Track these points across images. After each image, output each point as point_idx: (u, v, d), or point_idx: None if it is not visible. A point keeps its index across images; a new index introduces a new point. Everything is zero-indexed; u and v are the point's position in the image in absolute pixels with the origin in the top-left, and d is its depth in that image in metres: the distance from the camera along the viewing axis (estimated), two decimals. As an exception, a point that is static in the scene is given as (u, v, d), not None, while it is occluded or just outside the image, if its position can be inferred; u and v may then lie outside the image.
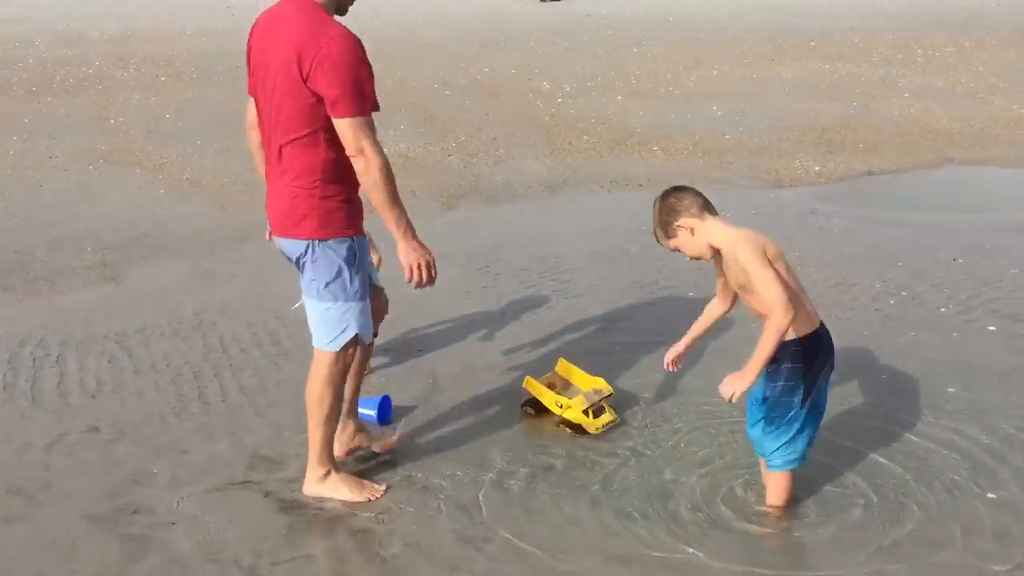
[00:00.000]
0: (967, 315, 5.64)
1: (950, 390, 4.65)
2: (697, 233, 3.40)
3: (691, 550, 3.42)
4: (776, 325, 3.23)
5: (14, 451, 4.17)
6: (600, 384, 4.54)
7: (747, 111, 11.96)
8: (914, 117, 11.68)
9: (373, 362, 4.88)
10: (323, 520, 3.66)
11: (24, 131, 10.83)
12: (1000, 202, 8.36)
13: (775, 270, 3.29)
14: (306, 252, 3.52)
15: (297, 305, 4.20)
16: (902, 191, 8.72)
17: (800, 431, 3.54)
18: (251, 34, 3.57)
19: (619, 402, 4.54)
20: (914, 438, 4.20)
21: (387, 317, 4.19)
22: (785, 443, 3.56)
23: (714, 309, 3.78)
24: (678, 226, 3.42)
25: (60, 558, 3.41)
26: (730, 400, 3.33)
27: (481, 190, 8.75)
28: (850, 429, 4.25)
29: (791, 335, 3.39)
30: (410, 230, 3.50)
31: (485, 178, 9.12)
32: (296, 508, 3.73)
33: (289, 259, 3.66)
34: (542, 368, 4.88)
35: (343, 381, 3.74)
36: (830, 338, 3.58)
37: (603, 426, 4.35)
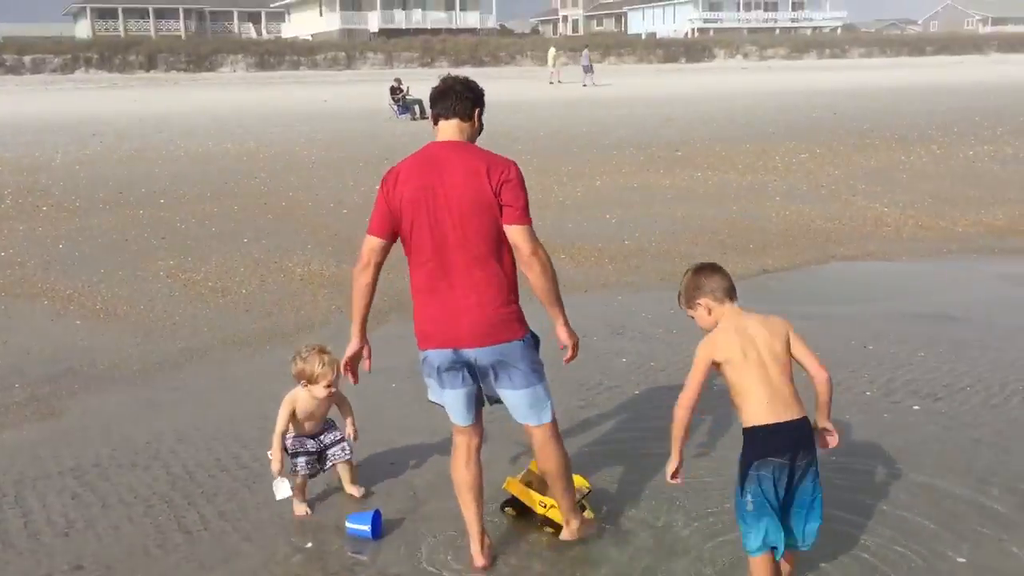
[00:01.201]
0: (891, 397, 6.14)
1: (898, 466, 5.05)
2: (712, 313, 3.79)
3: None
4: (674, 423, 3.85)
5: (-4, 597, 4.00)
6: (579, 482, 4.72)
7: (639, 218, 12.64)
8: (790, 219, 12.61)
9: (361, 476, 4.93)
10: (344, 638, 3.67)
11: (-92, 267, 10.36)
12: (891, 293, 9.11)
13: (699, 376, 3.75)
14: (517, 351, 4.02)
15: (281, 497, 4.56)
16: (798, 286, 9.39)
17: (741, 518, 3.75)
18: (395, 179, 4.01)
19: (596, 502, 4.72)
20: (882, 515, 4.54)
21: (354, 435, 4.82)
22: (739, 525, 3.81)
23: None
24: (698, 302, 3.76)
25: None
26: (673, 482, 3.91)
27: (406, 305, 8.67)
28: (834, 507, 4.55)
29: (743, 424, 3.73)
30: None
31: (406, 293, 9.19)
32: (313, 629, 3.73)
33: (472, 367, 4.00)
34: (510, 471, 5.04)
35: None
36: (784, 439, 3.66)
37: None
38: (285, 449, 4.71)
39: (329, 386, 4.66)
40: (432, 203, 3.91)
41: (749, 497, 3.69)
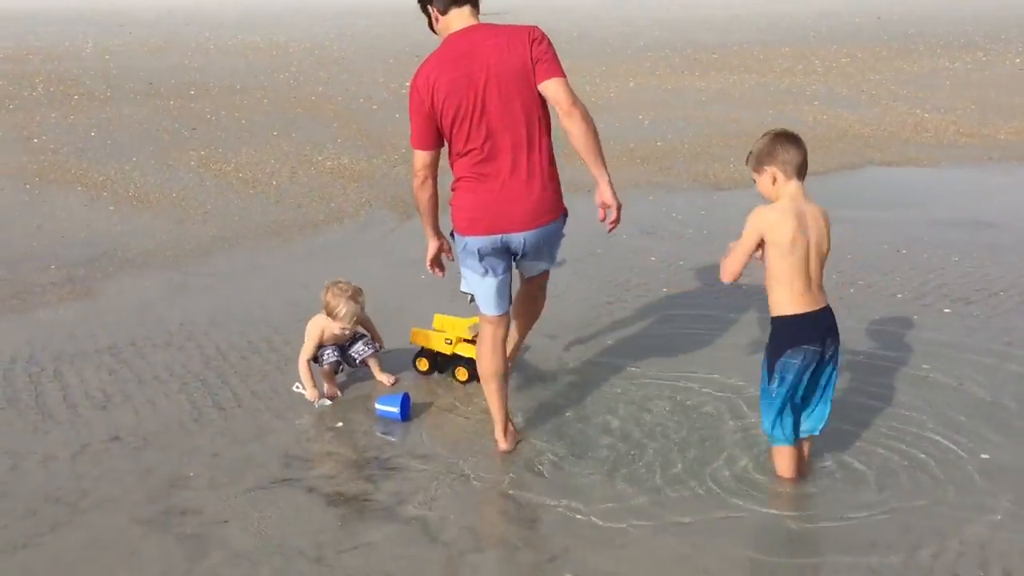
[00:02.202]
0: (922, 300, 6.09)
1: (924, 367, 5.04)
2: (777, 184, 3.66)
3: (735, 510, 3.67)
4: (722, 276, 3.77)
5: (39, 463, 4.12)
6: (478, 319, 4.97)
7: (672, 120, 12.45)
8: (828, 123, 12.37)
9: (388, 367, 5.01)
10: (374, 511, 3.76)
11: (-56, 151, 10.45)
12: (926, 198, 8.96)
13: (748, 248, 3.66)
14: (559, 229, 4.19)
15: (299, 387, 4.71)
16: (833, 191, 9.23)
17: (767, 405, 3.79)
18: (426, 80, 3.92)
19: (617, 389, 4.78)
20: (900, 411, 4.55)
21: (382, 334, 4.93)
22: (763, 415, 3.85)
23: None
24: (767, 168, 3.66)
25: (122, 560, 3.43)
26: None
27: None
28: (841, 408, 4.57)
29: (771, 312, 3.71)
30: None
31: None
32: (343, 501, 3.83)
33: (516, 252, 4.08)
34: (541, 363, 5.13)
35: None
36: (812, 328, 3.69)
37: None
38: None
39: (345, 330, 4.77)
40: (473, 91, 3.86)
41: (775, 385, 3.72)
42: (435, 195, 4.17)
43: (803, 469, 3.93)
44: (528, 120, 3.92)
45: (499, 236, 4.00)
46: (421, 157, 4.09)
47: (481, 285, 4.15)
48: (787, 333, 3.70)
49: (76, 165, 9.87)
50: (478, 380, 4.75)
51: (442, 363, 5.03)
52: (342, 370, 4.87)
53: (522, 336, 4.78)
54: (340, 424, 4.50)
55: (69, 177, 9.42)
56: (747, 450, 4.16)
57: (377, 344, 4.98)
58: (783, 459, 3.88)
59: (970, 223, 7.88)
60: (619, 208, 4.15)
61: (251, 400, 4.72)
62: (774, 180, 3.66)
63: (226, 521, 3.68)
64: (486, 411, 4.39)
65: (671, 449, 4.20)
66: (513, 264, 4.21)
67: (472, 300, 4.30)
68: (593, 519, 3.66)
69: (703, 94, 14.63)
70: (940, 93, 14.66)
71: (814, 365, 3.72)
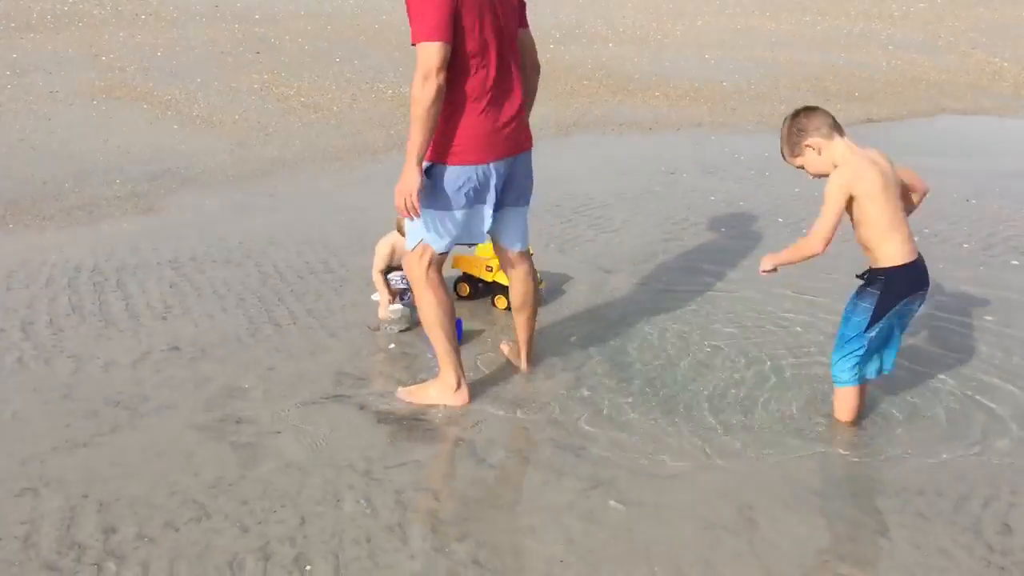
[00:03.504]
0: (989, 251, 5.93)
1: (987, 319, 4.92)
2: (824, 152, 3.56)
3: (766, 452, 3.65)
4: (805, 246, 3.57)
5: (101, 368, 4.24)
6: None
7: (739, 60, 12.16)
8: (901, 69, 11.98)
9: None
10: (422, 431, 3.81)
11: (16, 66, 10.60)
12: (999, 149, 8.69)
13: (839, 209, 3.50)
14: (530, 159, 4.00)
15: (402, 327, 4.65)
16: (903, 138, 8.99)
17: (854, 351, 3.73)
18: None
19: (669, 326, 4.75)
20: (961, 360, 4.46)
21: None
22: (840, 359, 3.78)
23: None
24: (806, 145, 3.58)
25: (179, 463, 3.52)
26: (762, 272, 3.73)
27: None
28: (906, 352, 4.49)
29: (879, 264, 3.61)
30: None
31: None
32: (393, 420, 3.87)
33: (503, 177, 3.82)
34: (594, 297, 5.13)
35: None
36: (919, 276, 3.68)
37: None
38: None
39: None
40: (491, 3, 3.66)
41: (875, 332, 3.68)
42: (440, 111, 3.59)
43: (859, 412, 3.89)
44: (512, 47, 3.78)
45: (497, 161, 3.76)
46: (442, 50, 3.45)
47: (447, 219, 3.78)
48: (903, 283, 3.63)
49: (142, 84, 9.97)
50: (500, 303, 4.89)
51: (482, 290, 5.05)
52: (405, 300, 4.87)
53: (532, 332, 4.30)
54: (392, 346, 4.54)
55: (135, 95, 9.53)
56: (802, 390, 4.13)
57: None
58: (847, 400, 3.83)
59: (1044, 176, 7.63)
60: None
61: (306, 318, 4.78)
62: (819, 151, 3.57)
63: (279, 432, 3.75)
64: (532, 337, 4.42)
65: (724, 386, 4.18)
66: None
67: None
68: (639, 451, 3.66)
69: (773, 35, 14.25)
70: (1021, 42, 14.08)
71: (915, 308, 3.73)
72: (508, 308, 4.89)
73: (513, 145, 3.82)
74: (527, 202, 4.07)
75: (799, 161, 3.64)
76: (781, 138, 3.67)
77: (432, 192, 3.74)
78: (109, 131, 8.27)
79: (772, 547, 3.10)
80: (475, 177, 3.73)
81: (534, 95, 3.99)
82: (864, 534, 3.20)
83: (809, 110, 3.63)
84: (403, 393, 4.06)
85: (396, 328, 4.67)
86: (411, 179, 3.62)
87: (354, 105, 9.53)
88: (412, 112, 3.55)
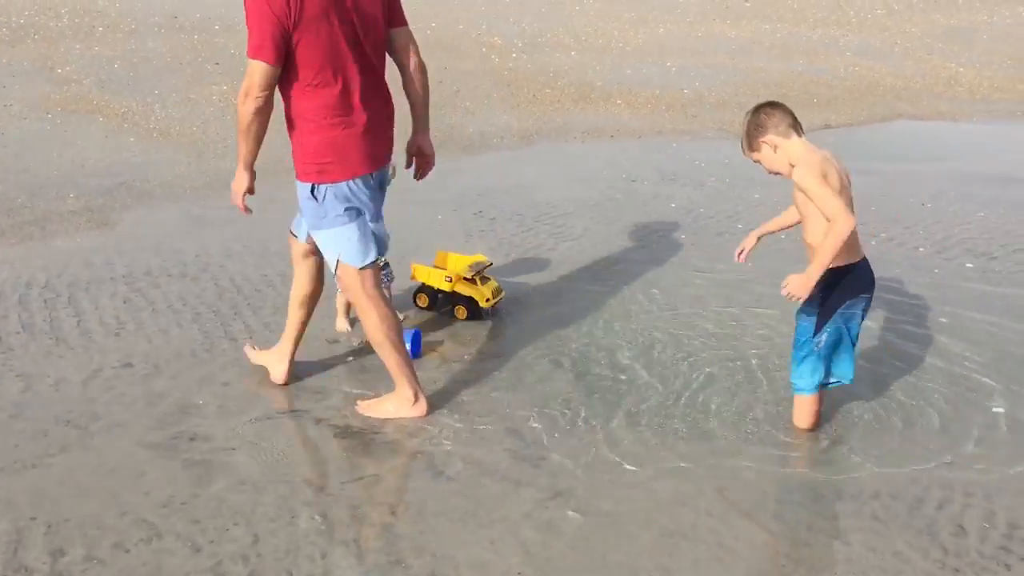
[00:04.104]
0: (944, 254, 5.99)
1: (942, 321, 4.97)
2: (779, 150, 3.57)
3: (742, 462, 3.65)
4: (837, 232, 3.40)
5: (51, 386, 4.16)
6: (479, 257, 5.08)
7: (700, 67, 12.24)
8: (860, 75, 12.13)
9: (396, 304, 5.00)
10: (379, 444, 3.78)
11: (-32, 80, 10.44)
12: (955, 153, 8.80)
13: (826, 187, 3.45)
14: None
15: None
16: (861, 143, 9.10)
17: (805, 357, 3.75)
18: None
19: (630, 334, 4.75)
20: (915, 365, 4.50)
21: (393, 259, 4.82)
22: (796, 366, 3.80)
23: (791, 214, 3.90)
24: (763, 141, 3.59)
25: (130, 482, 3.46)
26: (788, 299, 3.57)
27: (456, 140, 8.84)
28: (863, 357, 4.52)
29: (832, 263, 3.60)
30: None
31: (457, 129, 9.20)
32: (350, 434, 3.84)
33: (380, 187, 3.88)
34: (555, 304, 5.12)
35: None
36: (864, 279, 3.70)
37: (493, 295, 4.92)
38: None
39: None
40: (341, 11, 3.55)
41: (824, 336, 3.69)
42: (267, 125, 3.65)
43: (818, 420, 3.90)
44: (383, 51, 3.76)
45: (373, 172, 3.76)
46: (261, 71, 3.48)
47: (348, 231, 3.76)
48: (850, 283, 3.65)
49: (98, 96, 9.84)
50: (476, 318, 4.89)
51: (442, 301, 5.03)
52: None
53: (306, 322, 4.24)
54: (350, 359, 4.51)
55: (91, 108, 9.41)
56: (765, 397, 4.14)
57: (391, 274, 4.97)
58: (804, 408, 3.85)
59: (998, 178, 7.73)
60: (432, 158, 4.08)
61: (263, 332, 4.73)
62: (775, 148, 3.58)
63: (233, 449, 3.70)
64: (489, 350, 4.41)
65: (685, 394, 4.18)
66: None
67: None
68: (599, 460, 3.65)
69: (733, 43, 14.36)
70: (976, 47, 14.31)
71: (861, 314, 3.72)
72: (469, 317, 4.88)
73: (383, 155, 3.81)
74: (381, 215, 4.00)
75: (756, 156, 3.66)
76: (741, 133, 3.69)
77: (322, 212, 3.74)
78: (64, 144, 8.15)
79: (730, 553, 3.10)
80: (353, 191, 3.71)
81: (424, 95, 3.92)
82: (821, 539, 3.21)
83: (771, 106, 3.64)
84: (362, 408, 4.02)
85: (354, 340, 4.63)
86: (237, 182, 3.88)
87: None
88: (237, 124, 3.69)
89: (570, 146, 8.85)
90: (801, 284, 3.53)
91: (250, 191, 3.91)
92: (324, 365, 4.43)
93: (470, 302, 4.91)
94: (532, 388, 4.23)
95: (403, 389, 3.96)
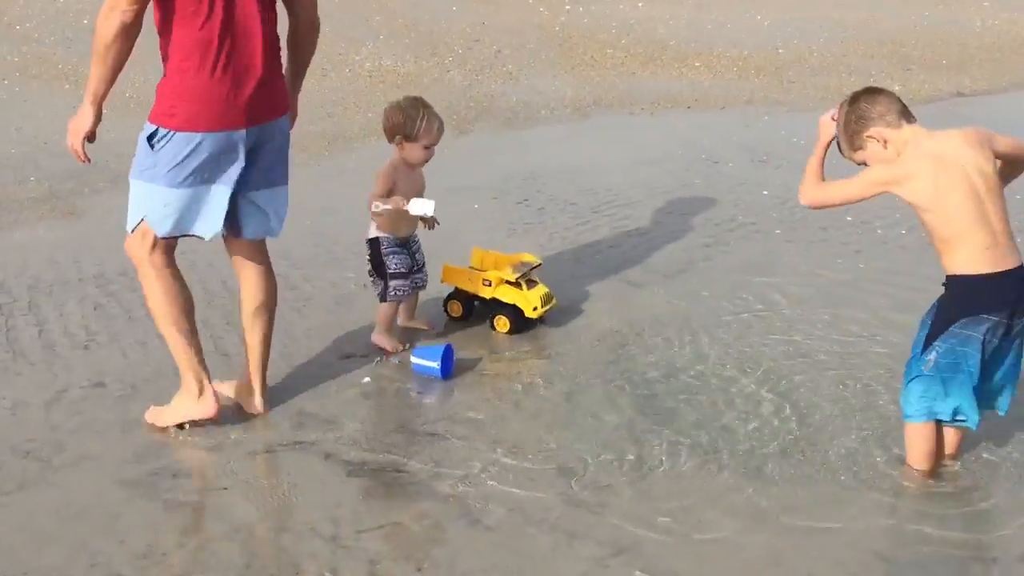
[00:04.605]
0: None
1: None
2: (891, 145, 3.57)
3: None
4: (807, 181, 3.88)
5: (7, 410, 4.26)
6: (525, 256, 5.07)
7: (801, 21, 12.17)
8: (1000, 30, 11.99)
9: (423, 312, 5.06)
10: (403, 485, 3.82)
11: (-90, 38, 10.70)
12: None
13: (859, 190, 3.68)
14: (287, 128, 4.13)
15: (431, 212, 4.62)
16: (1001, 114, 8.94)
17: (915, 377, 3.73)
18: None
19: (711, 350, 4.74)
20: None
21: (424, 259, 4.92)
22: (905, 384, 3.80)
23: None
24: (868, 136, 3.59)
25: (100, 527, 3.53)
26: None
27: (495, 112, 8.89)
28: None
29: (947, 270, 3.63)
30: None
31: (498, 98, 9.25)
32: (367, 472, 3.89)
33: (256, 147, 3.95)
34: (621, 316, 5.13)
35: None
36: (1003, 294, 3.60)
37: (542, 301, 4.90)
38: (383, 263, 4.79)
39: (429, 147, 4.72)
40: None
41: (933, 355, 3.66)
42: (129, 52, 3.79)
43: (937, 460, 3.85)
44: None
45: (232, 131, 3.82)
46: None
47: (173, 196, 3.87)
48: (965, 297, 3.62)
49: (64, 59, 10.01)
50: (521, 330, 4.92)
51: (479, 309, 5.05)
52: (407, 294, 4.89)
53: (267, 355, 4.30)
54: (367, 380, 4.56)
55: (55, 73, 9.58)
56: (871, 430, 4.13)
57: (424, 280, 5.01)
58: (916, 442, 3.82)
59: None
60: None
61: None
62: (885, 143, 3.60)
63: (225, 488, 3.77)
64: (538, 371, 4.46)
65: (774, 427, 4.17)
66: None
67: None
68: (672, 510, 3.65)
69: (842, -10, 14.28)
70: None
71: (998, 340, 3.63)
72: (512, 330, 4.90)
73: (257, 112, 3.88)
74: (280, 182, 4.14)
75: (860, 156, 3.66)
76: (838, 127, 3.68)
77: (152, 162, 3.86)
78: (23, 118, 8.31)
79: (836, 628, 3.09)
80: (204, 147, 3.80)
81: (309, 55, 4.15)
82: (950, 611, 3.19)
83: (871, 92, 3.67)
84: (150, 416, 4.14)
85: (429, 212, 4.66)
86: (79, 119, 3.94)
87: (323, 82, 9.55)
88: (92, 45, 3.78)
89: (636, 119, 8.86)
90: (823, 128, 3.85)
91: (91, 136, 4.00)
92: (336, 387, 4.47)
93: (514, 311, 4.92)
94: (589, 418, 4.24)
95: (187, 382, 4.08)
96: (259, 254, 4.23)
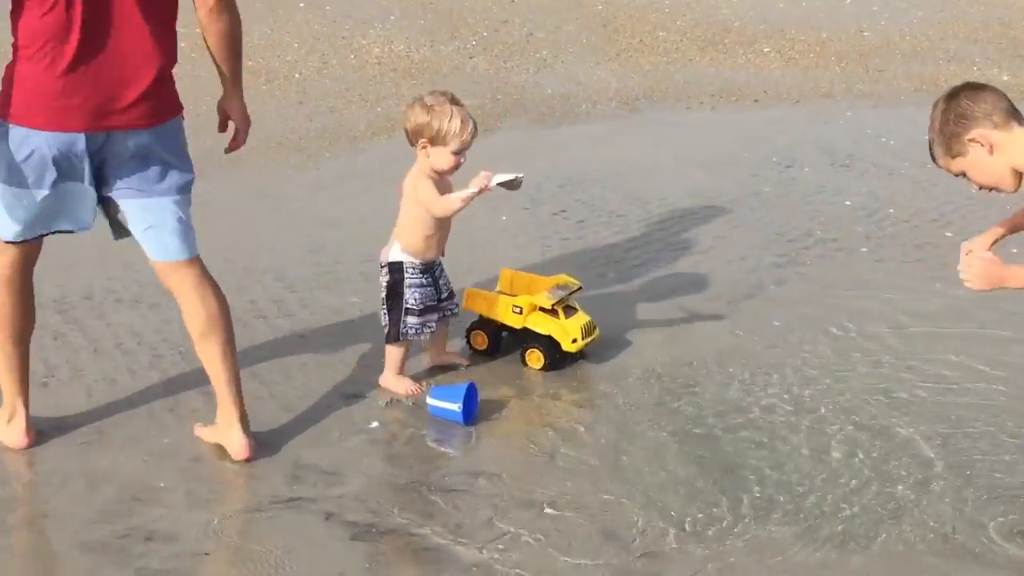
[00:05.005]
0: None
1: None
2: (998, 151, 3.53)
3: None
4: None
5: (-47, 459, 4.30)
6: (562, 278, 5.08)
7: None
8: None
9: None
10: (418, 550, 3.83)
11: None
12: None
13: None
14: (180, 131, 4.19)
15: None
16: None
17: None
18: None
19: (785, 392, 4.72)
20: None
21: (451, 284, 4.90)
22: None
23: None
24: (970, 140, 3.55)
25: (62, 600, 3.55)
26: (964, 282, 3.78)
27: (527, 106, 8.91)
28: None
29: None
30: None
31: (530, 89, 9.28)
32: (374, 534, 3.90)
33: (117, 154, 3.97)
34: (677, 348, 5.13)
35: None
36: None
37: (583, 332, 4.90)
38: (401, 294, 4.75)
39: (460, 152, 4.64)
40: None
41: None
42: None
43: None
44: None
45: (77, 133, 3.87)
46: None
47: (15, 196, 3.96)
48: None
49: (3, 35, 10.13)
50: (558, 367, 4.93)
51: (508, 341, 5.05)
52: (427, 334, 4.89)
53: (236, 380, 4.34)
54: (375, 425, 4.58)
55: None
56: (1000, 493, 4.12)
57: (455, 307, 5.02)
58: None
59: None
60: (247, 128, 4.38)
61: (250, 383, 4.76)
62: (991, 148, 3.52)
63: (207, 554, 3.78)
64: (578, 415, 4.54)
65: (867, 486, 4.16)
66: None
67: None
68: (738, 580, 3.65)
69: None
70: None
71: None
72: (547, 366, 4.90)
73: (104, 117, 3.90)
74: (179, 188, 4.15)
75: (959, 164, 3.61)
76: (931, 130, 3.64)
77: None
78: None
79: None
80: (44, 147, 3.86)
81: (219, 46, 4.09)
82: None
83: (973, 89, 3.61)
84: None
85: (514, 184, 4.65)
86: None
87: (325, 71, 9.63)
88: None
89: (693, 114, 8.88)
90: (983, 272, 3.71)
91: None
92: (339, 433, 4.48)
93: (549, 344, 4.92)
94: (638, 472, 4.24)
95: (5, 402, 4.28)
96: (187, 274, 4.23)
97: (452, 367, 5.02)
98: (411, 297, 4.75)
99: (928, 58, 10.20)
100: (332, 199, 6.97)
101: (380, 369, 4.85)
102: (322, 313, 5.46)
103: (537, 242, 6.34)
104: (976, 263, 3.70)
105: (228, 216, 6.71)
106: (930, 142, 3.68)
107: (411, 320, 4.75)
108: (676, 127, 8.57)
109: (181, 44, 4.09)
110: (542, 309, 4.93)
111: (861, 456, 4.33)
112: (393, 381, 4.82)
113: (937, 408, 4.66)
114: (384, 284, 4.81)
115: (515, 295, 5.00)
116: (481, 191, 4.55)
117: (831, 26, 11.15)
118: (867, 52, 10.42)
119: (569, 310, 4.99)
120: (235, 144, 4.40)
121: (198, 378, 4.81)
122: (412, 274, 4.75)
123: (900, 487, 4.14)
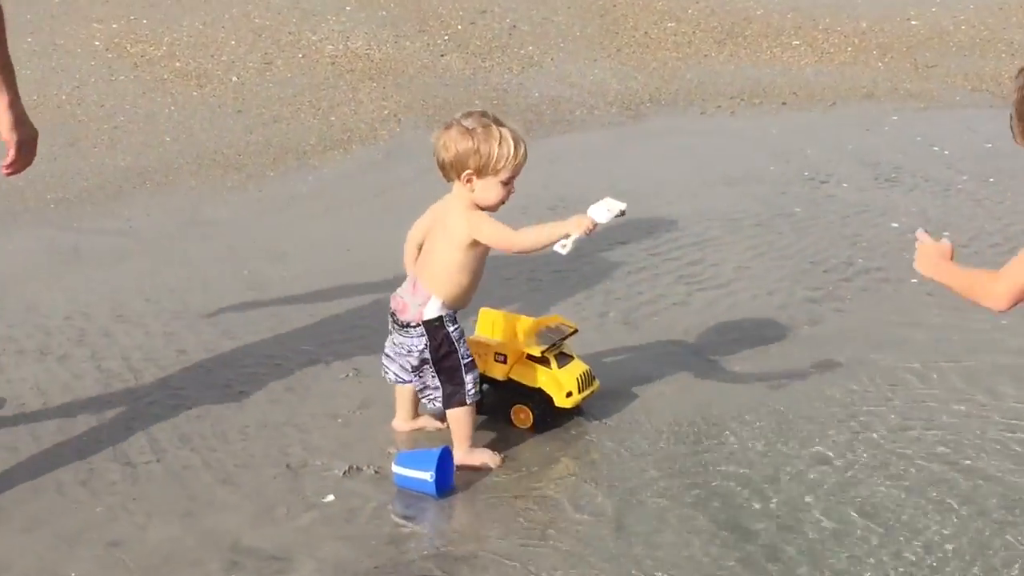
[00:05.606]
0: None
1: None
2: None
3: None
4: (978, 288, 4.05)
5: None
6: (554, 319, 5.10)
7: (939, -19, 12.29)
8: None
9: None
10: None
11: None
12: None
13: None
14: None
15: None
16: None
17: None
18: None
19: (830, 439, 4.73)
20: None
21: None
22: None
23: None
24: None
25: None
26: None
27: (509, 112, 8.91)
28: None
29: None
30: None
31: (513, 93, 9.32)
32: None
33: None
34: (698, 414, 5.10)
35: None
36: None
37: (579, 385, 4.88)
38: (454, 352, 4.69)
39: (509, 181, 4.61)
40: None
41: None
42: None
43: None
44: None
45: None
46: None
47: None
48: None
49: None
50: (550, 425, 4.95)
51: (490, 396, 5.00)
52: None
53: None
54: (330, 498, 4.56)
55: None
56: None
57: None
58: None
59: None
60: (32, 143, 4.36)
61: (178, 450, 4.81)
62: None
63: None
64: (575, 483, 4.57)
65: (911, 567, 4.15)
66: None
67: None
68: None
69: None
70: None
71: None
72: (536, 426, 4.90)
73: None
74: None
75: None
76: (1013, 105, 3.67)
77: None
78: None
79: None
80: None
81: None
82: None
83: None
84: None
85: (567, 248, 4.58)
86: None
87: (268, 73, 9.66)
88: None
89: (710, 120, 8.91)
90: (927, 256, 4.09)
91: None
92: (287, 510, 4.46)
93: (539, 398, 4.92)
94: (647, 556, 4.21)
95: None
96: None
97: (420, 429, 5.01)
98: (464, 352, 4.71)
99: (988, 51, 10.26)
100: (277, 226, 6.97)
101: (334, 432, 4.88)
102: (265, 365, 5.45)
103: (524, 274, 6.33)
104: (929, 247, 4.09)
105: (153, 248, 6.72)
106: (1010, 117, 3.70)
107: (471, 377, 4.71)
108: (688, 136, 8.60)
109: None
110: (530, 357, 4.92)
111: (913, 539, 4.31)
112: (474, 455, 4.75)
113: (1006, 483, 4.59)
114: (425, 347, 4.69)
115: (498, 340, 5.00)
116: (588, 233, 4.55)
117: (872, 14, 11.22)
118: (915, 44, 10.48)
119: (563, 358, 4.98)
120: (13, 165, 4.34)
121: (117, 447, 4.83)
122: (454, 327, 4.70)
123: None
